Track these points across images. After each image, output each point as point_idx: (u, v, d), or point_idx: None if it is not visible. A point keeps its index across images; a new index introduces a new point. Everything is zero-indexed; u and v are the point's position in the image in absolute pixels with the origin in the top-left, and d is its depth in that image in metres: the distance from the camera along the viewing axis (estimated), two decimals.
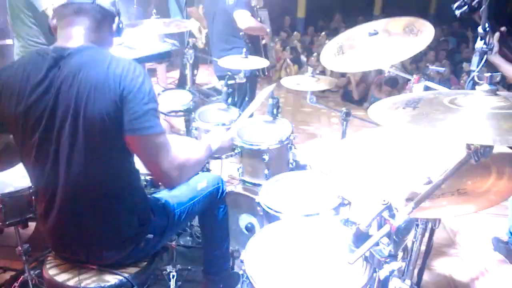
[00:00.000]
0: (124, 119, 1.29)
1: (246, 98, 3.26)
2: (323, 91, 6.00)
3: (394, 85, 5.48)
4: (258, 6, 3.37)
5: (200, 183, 1.82)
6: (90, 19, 1.36)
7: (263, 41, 3.43)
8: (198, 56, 3.76)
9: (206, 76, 5.80)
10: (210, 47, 3.68)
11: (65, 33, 1.35)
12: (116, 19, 1.44)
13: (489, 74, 0.99)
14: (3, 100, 1.34)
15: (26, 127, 1.33)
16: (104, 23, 1.40)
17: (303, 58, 6.89)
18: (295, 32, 8.09)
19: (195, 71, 5.15)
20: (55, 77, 1.29)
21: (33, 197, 1.80)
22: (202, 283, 2.09)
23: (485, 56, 1.59)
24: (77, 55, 1.31)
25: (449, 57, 6.45)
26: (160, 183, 1.66)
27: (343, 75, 6.05)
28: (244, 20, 3.05)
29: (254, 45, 3.34)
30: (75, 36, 1.34)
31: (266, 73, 3.63)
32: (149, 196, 1.66)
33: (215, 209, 1.90)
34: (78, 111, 1.28)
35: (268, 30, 3.38)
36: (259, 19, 3.40)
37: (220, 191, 1.91)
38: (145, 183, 1.91)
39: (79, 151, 1.31)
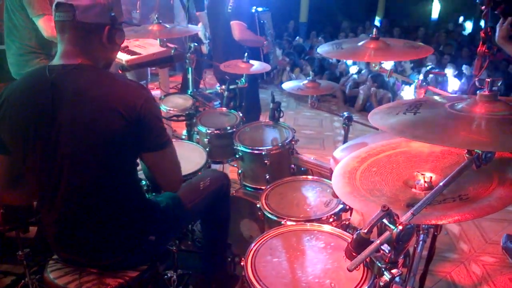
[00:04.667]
0: (143, 139, 1.37)
1: (243, 103, 3.27)
2: (325, 95, 6.06)
3: None
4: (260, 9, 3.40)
5: (203, 182, 1.82)
6: (76, 36, 1.35)
7: (264, 51, 3.46)
8: (201, 61, 3.77)
9: (209, 81, 5.82)
10: (212, 51, 3.70)
11: (61, 50, 1.37)
12: (106, 29, 1.38)
13: (491, 79, 0.99)
14: (5, 118, 1.36)
15: (29, 145, 1.34)
16: (92, 38, 1.37)
17: (302, 61, 6.92)
18: (297, 37, 8.14)
19: (203, 75, 5.17)
20: (55, 96, 1.30)
21: (34, 202, 1.81)
22: (198, 280, 2.08)
23: (487, 61, 1.58)
24: (76, 74, 1.33)
25: (453, 61, 6.44)
26: (164, 189, 1.67)
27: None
28: (238, 31, 3.17)
29: (253, 53, 3.37)
30: (68, 53, 1.36)
31: (265, 77, 3.69)
32: (150, 198, 1.66)
33: (219, 206, 1.90)
34: (84, 130, 1.31)
35: (264, 41, 3.41)
36: (262, 21, 3.43)
37: (224, 188, 1.90)
38: (147, 188, 1.91)
39: (84, 165, 1.34)
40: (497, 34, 2.04)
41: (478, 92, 1.01)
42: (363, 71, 6.14)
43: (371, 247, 0.91)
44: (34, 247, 2.11)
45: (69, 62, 1.34)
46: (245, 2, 3.26)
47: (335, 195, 1.83)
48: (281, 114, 2.54)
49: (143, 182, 1.87)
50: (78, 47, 1.35)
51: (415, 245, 1.39)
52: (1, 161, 1.41)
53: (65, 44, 1.36)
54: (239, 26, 3.17)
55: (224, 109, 2.76)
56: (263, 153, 2.25)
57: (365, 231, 0.95)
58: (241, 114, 2.68)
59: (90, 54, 1.37)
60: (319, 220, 1.76)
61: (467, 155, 0.99)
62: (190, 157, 2.22)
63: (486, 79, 0.99)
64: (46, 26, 2.37)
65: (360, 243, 0.97)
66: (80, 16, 1.31)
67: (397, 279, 0.97)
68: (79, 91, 1.31)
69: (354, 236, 0.98)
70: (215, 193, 1.85)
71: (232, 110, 2.73)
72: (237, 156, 2.36)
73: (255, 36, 3.36)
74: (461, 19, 9.77)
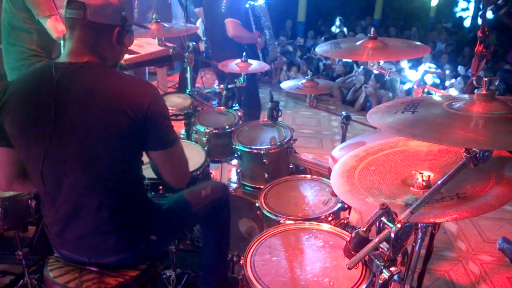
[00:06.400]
0: (151, 137, 1.37)
1: (242, 98, 3.30)
2: (324, 94, 6.07)
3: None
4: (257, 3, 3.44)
5: (205, 190, 1.82)
6: (85, 35, 1.35)
7: (258, 47, 3.50)
8: (199, 59, 3.79)
9: (207, 80, 5.82)
10: (210, 49, 3.74)
11: (68, 47, 1.37)
12: (116, 30, 1.38)
13: (488, 78, 0.99)
14: (9, 113, 1.35)
15: (31, 142, 1.34)
16: (101, 38, 1.37)
17: (298, 59, 6.93)
18: (298, 37, 8.17)
19: (200, 74, 5.17)
20: (59, 95, 1.30)
21: (33, 201, 1.81)
22: (198, 283, 2.08)
23: (485, 60, 1.59)
24: (83, 73, 1.33)
25: (450, 61, 6.46)
26: (171, 185, 1.68)
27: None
28: (232, 28, 3.26)
29: (251, 50, 3.41)
30: (76, 51, 1.35)
31: (271, 67, 3.72)
32: (153, 201, 1.66)
33: (218, 216, 1.90)
34: (89, 128, 1.30)
35: (258, 38, 3.46)
36: (258, 15, 3.46)
37: (224, 199, 1.90)
38: (145, 187, 1.91)
39: (88, 163, 1.34)
40: None
41: (475, 91, 1.02)
42: (360, 70, 6.13)
43: (370, 245, 0.92)
44: (33, 246, 2.12)
45: (76, 60, 1.34)
46: (238, 1, 3.29)
47: (334, 194, 1.84)
48: (279, 113, 2.54)
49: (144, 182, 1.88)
50: (86, 46, 1.35)
51: (413, 244, 1.40)
52: (7, 153, 1.41)
53: (73, 42, 1.36)
54: (233, 23, 3.24)
55: (222, 108, 2.77)
56: (262, 152, 2.26)
57: (364, 229, 0.96)
58: (239, 114, 2.69)
59: (97, 53, 1.37)
60: (317, 219, 1.76)
61: (464, 154, 0.99)
62: (189, 156, 2.19)
63: (484, 78, 1.00)
64: (53, 27, 2.33)
65: (359, 242, 0.97)
66: (91, 15, 1.32)
67: (395, 277, 0.97)
68: (84, 91, 1.31)
69: (353, 234, 0.99)
70: (215, 202, 1.85)
71: (230, 109, 2.73)
72: (236, 155, 2.36)
73: (249, 33, 3.41)
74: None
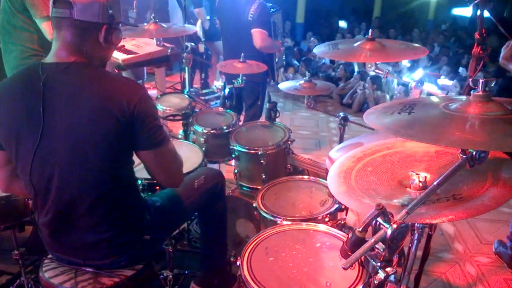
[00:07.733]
0: (138, 137, 1.36)
1: (258, 102, 3.29)
2: (322, 96, 6.06)
3: None
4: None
5: (197, 180, 1.82)
6: (73, 33, 1.33)
7: (277, 55, 3.51)
8: (198, 60, 3.80)
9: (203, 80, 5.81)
10: (224, 54, 3.70)
11: (55, 47, 1.36)
12: (104, 28, 1.36)
13: (484, 79, 1.00)
14: None
15: (20, 144, 1.34)
16: (88, 36, 1.35)
17: (295, 61, 6.94)
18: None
19: (202, 75, 5.17)
20: (46, 97, 1.30)
21: (30, 201, 1.80)
22: (198, 277, 2.08)
23: (482, 62, 1.59)
24: (69, 73, 1.32)
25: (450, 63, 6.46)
26: (164, 185, 1.67)
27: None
28: (260, 39, 3.18)
29: (270, 57, 3.43)
30: (63, 51, 1.34)
31: (276, 78, 3.70)
32: (145, 197, 1.66)
33: (214, 204, 1.90)
34: (77, 129, 1.30)
35: (281, 47, 3.49)
36: (273, 21, 3.46)
37: (219, 187, 1.90)
38: (142, 187, 1.91)
39: (77, 165, 1.33)
40: (501, 54, 2.04)
41: (472, 92, 1.02)
42: (355, 74, 6.13)
43: (366, 245, 0.92)
44: (30, 246, 2.11)
45: (63, 60, 1.33)
46: (267, 10, 3.27)
47: (331, 195, 1.85)
48: (278, 114, 2.54)
49: (139, 182, 1.88)
50: (73, 45, 1.34)
51: (410, 245, 1.40)
52: (3, 154, 1.41)
53: (60, 42, 1.34)
54: (262, 34, 3.18)
55: (220, 108, 2.77)
56: (259, 152, 2.26)
57: (360, 229, 0.96)
58: (239, 116, 2.69)
59: (85, 52, 1.36)
60: (314, 220, 1.76)
61: (461, 155, 1.00)
62: (186, 156, 2.21)
63: (480, 79, 1.00)
64: (49, 28, 2.33)
65: (355, 242, 0.97)
66: (77, 13, 1.30)
67: (392, 277, 0.98)
68: (71, 92, 1.30)
69: (349, 235, 0.99)
70: (210, 191, 1.85)
71: (228, 110, 2.73)
72: (234, 155, 2.36)
73: (275, 43, 3.39)
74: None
